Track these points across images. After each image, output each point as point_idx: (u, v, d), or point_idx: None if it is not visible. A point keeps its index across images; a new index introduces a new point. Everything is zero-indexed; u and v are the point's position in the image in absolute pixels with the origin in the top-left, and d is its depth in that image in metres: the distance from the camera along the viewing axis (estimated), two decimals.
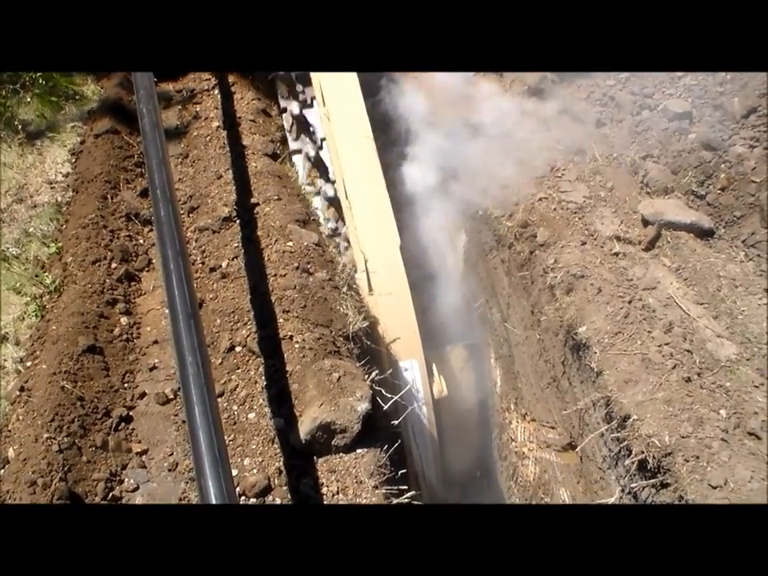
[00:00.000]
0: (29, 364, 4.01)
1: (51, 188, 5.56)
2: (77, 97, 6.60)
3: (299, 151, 6.33)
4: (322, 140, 5.53)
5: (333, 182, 5.73)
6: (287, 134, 6.33)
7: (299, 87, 5.85)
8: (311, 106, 5.77)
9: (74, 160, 5.79)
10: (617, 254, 4.90)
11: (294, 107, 6.02)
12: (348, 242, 5.35)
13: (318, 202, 5.93)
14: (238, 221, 4.69)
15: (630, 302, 4.55)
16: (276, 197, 4.84)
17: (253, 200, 4.85)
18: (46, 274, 4.73)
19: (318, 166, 6.00)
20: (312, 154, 5.66)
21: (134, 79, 3.87)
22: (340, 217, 5.42)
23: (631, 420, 3.98)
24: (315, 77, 5.41)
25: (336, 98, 5.11)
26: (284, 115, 6.37)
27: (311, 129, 5.70)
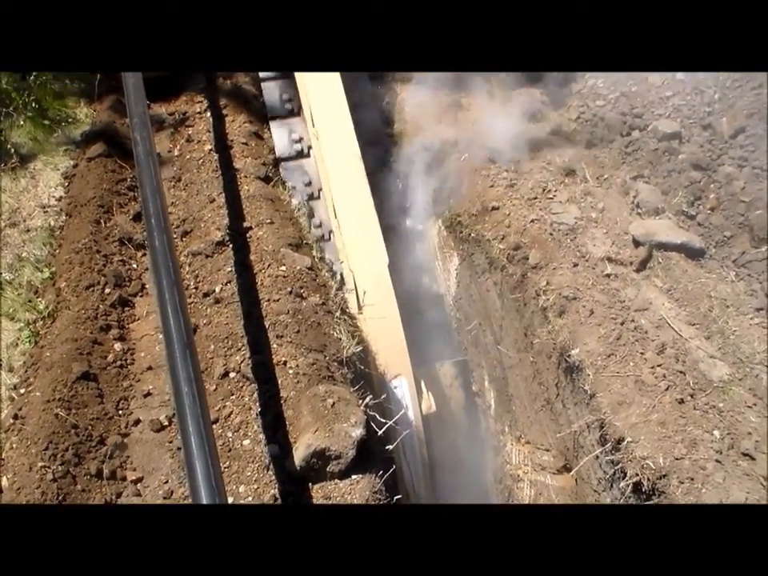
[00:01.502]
0: (22, 391, 3.99)
1: (44, 212, 5.55)
2: (69, 120, 6.60)
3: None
4: (320, 190, 5.57)
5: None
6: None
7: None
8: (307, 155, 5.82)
9: (66, 184, 5.78)
10: (609, 276, 4.93)
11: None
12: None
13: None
14: (231, 245, 4.69)
15: (622, 324, 4.57)
16: (269, 220, 4.85)
17: (246, 224, 4.85)
18: (40, 299, 4.72)
19: None
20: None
21: (127, 106, 3.89)
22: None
23: (625, 442, 3.99)
24: (305, 99, 5.44)
25: (325, 117, 5.14)
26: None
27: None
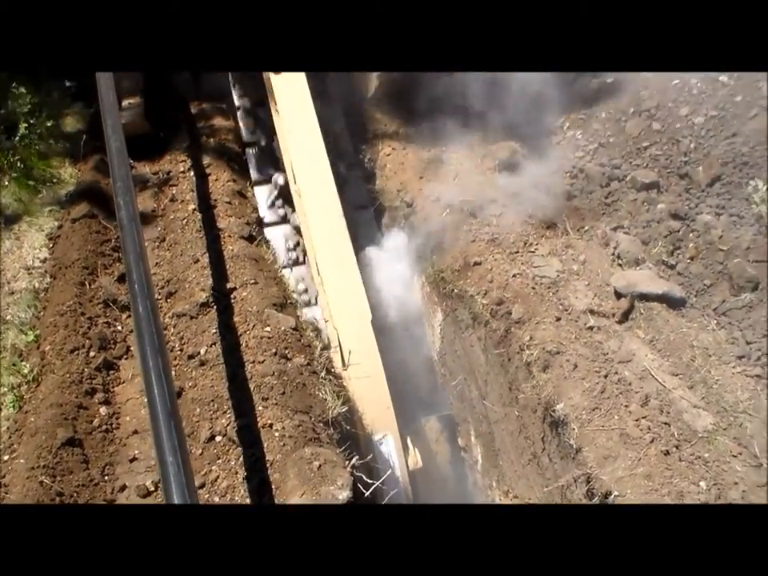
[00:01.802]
0: (6, 458, 3.97)
1: (29, 274, 5.56)
2: (54, 180, 6.64)
3: (283, 220, 6.41)
4: (304, 253, 5.61)
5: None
6: (266, 208, 6.43)
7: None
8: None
9: (51, 245, 5.80)
10: (591, 328, 4.96)
11: (280, 178, 6.13)
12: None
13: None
14: (215, 306, 4.72)
15: (606, 377, 4.59)
16: (253, 281, 4.88)
17: (230, 285, 4.88)
18: (24, 362, 4.71)
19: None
20: (298, 222, 5.73)
21: (111, 171, 3.91)
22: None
23: (612, 496, 3.99)
24: (287, 158, 5.50)
25: (307, 176, 5.20)
26: (264, 187, 6.48)
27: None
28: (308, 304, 5.70)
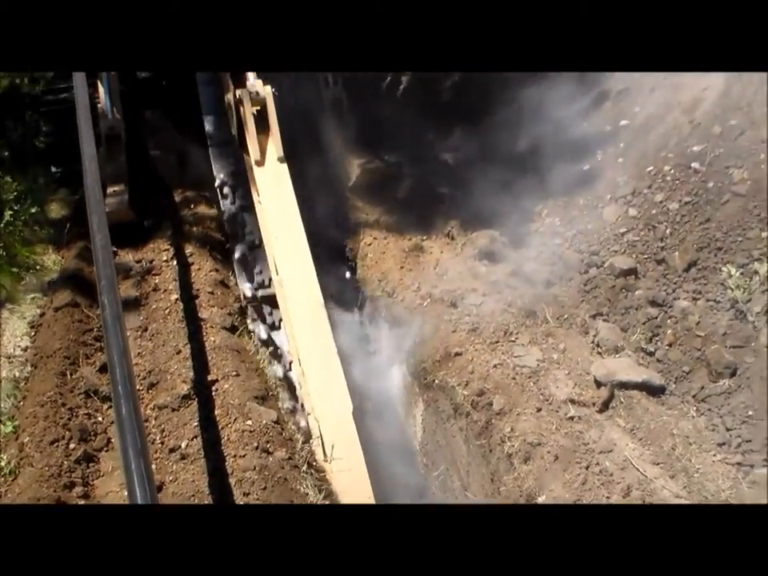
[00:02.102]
0: None
1: (9, 362, 5.53)
2: (37, 267, 6.67)
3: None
4: (290, 363, 5.61)
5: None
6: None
7: (267, 309, 6.00)
8: (279, 328, 5.89)
9: (33, 333, 5.79)
10: (572, 418, 4.98)
11: (261, 331, 6.10)
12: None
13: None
14: (197, 398, 4.72)
15: (587, 468, 4.60)
16: (234, 372, 4.90)
17: (211, 377, 4.89)
18: (2, 455, 4.66)
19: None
20: (280, 374, 5.70)
21: (95, 268, 3.92)
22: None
23: None
24: (270, 249, 5.55)
25: (289, 265, 5.23)
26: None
27: (278, 351, 5.79)
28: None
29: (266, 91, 5.38)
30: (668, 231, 6.24)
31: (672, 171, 6.52)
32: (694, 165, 6.35)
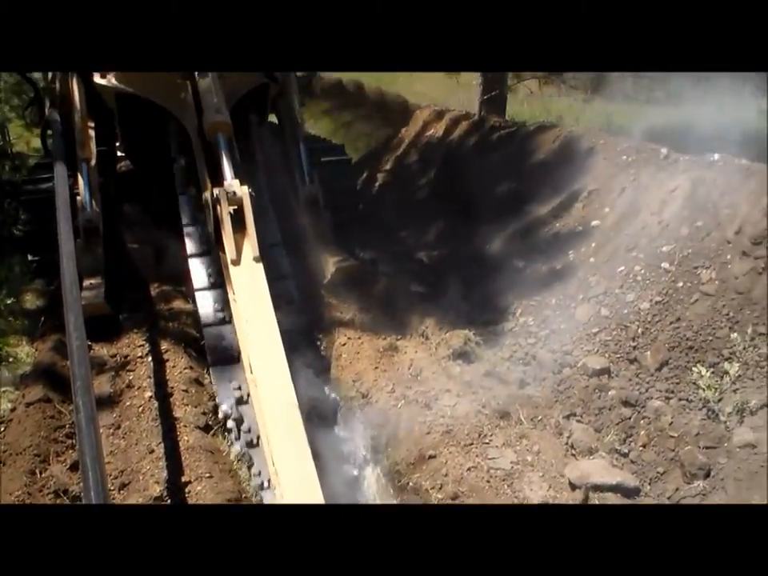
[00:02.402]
0: None
1: None
2: (10, 359, 6.64)
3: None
4: (258, 437, 5.59)
5: None
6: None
7: (234, 384, 6.00)
8: (246, 402, 5.88)
9: (2, 429, 5.71)
10: None
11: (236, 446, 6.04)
12: None
13: None
14: (169, 500, 4.66)
15: None
16: (208, 474, 4.85)
17: (184, 478, 4.84)
18: None
19: None
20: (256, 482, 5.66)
21: (70, 368, 3.91)
22: None
23: None
24: (245, 350, 5.55)
25: (263, 364, 5.22)
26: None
27: (241, 426, 5.78)
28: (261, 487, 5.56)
29: (243, 191, 5.43)
30: (640, 330, 6.32)
31: (642, 271, 6.65)
32: (664, 265, 6.49)
